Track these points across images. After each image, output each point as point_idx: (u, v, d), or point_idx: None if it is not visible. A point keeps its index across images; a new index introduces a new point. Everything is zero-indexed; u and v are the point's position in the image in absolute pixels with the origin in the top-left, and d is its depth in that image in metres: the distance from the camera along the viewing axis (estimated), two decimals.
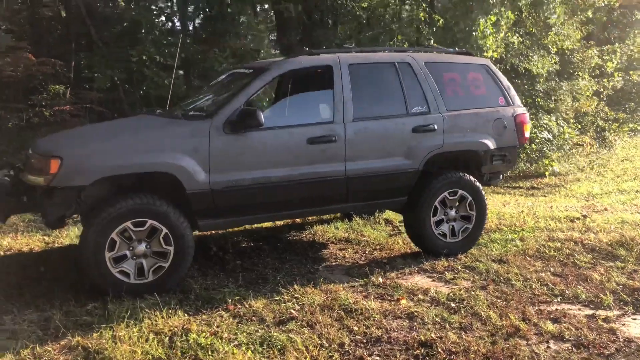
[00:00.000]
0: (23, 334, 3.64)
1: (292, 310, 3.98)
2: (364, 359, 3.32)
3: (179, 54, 6.73)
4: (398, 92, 5.08)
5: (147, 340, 3.51)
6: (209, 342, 3.48)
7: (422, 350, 3.39)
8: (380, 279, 4.66)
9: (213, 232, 5.82)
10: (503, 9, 9.04)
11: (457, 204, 5.31)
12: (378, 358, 3.34)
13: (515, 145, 5.62)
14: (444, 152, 5.17)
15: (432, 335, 3.57)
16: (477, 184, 5.36)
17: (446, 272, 4.87)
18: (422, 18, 11.06)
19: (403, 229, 6.21)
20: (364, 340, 3.56)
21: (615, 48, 15.14)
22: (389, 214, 6.82)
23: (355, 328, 3.71)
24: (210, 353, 3.35)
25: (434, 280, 4.73)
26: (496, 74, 5.65)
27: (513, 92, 5.69)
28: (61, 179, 4.00)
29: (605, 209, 7.86)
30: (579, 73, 14.41)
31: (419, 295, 4.33)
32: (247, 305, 4.10)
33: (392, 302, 4.19)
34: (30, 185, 4.24)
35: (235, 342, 3.51)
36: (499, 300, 4.18)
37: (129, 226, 4.15)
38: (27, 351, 3.40)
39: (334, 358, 3.33)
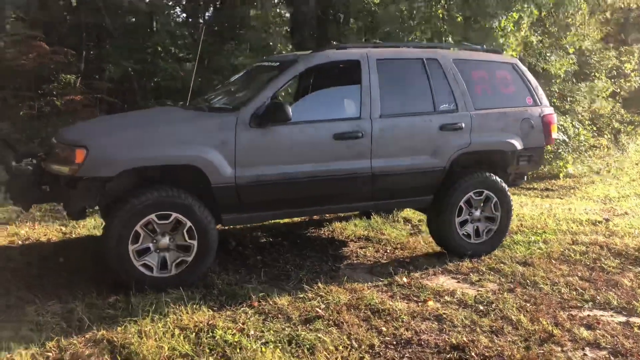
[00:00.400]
0: (47, 326, 3.58)
1: (318, 309, 3.91)
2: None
3: (201, 44, 6.62)
4: (426, 89, 4.98)
5: (172, 335, 3.45)
6: (236, 340, 3.42)
7: (455, 354, 3.31)
8: (405, 279, 4.58)
9: (231, 226, 5.76)
10: (526, 5, 8.88)
11: (482, 204, 5.22)
12: None
13: (542, 145, 5.52)
14: (471, 151, 5.08)
15: (464, 338, 3.49)
16: (503, 184, 5.26)
17: (471, 274, 4.79)
18: (440, 15, 10.94)
19: (423, 228, 6.16)
20: (394, 342, 3.48)
21: (632, 49, 14.96)
22: (408, 212, 6.73)
23: (384, 329, 3.64)
24: (238, 351, 3.29)
25: (459, 282, 4.64)
26: (524, 73, 5.54)
27: (541, 91, 5.59)
28: (87, 170, 3.94)
29: (626, 213, 7.75)
30: (596, 74, 14.23)
31: (446, 297, 4.25)
32: (271, 302, 4.04)
33: (419, 303, 4.11)
34: (53, 175, 4.18)
35: (263, 340, 3.44)
36: (528, 304, 4.09)
37: (154, 219, 4.09)
38: (52, 343, 3.35)
39: (364, 359, 3.25)
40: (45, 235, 5.70)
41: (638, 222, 6.81)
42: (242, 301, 4.05)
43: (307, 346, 3.38)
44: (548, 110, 5.53)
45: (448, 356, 3.31)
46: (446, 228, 5.09)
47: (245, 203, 4.39)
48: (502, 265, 5.00)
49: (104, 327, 3.57)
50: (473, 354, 3.31)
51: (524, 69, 5.60)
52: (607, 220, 6.91)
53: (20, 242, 5.43)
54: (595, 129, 14.45)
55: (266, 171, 4.37)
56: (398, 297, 4.22)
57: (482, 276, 4.73)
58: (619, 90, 14.96)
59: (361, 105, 4.69)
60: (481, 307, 4.04)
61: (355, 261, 5.14)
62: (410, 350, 3.39)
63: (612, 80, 14.96)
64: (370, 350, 3.36)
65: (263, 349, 3.30)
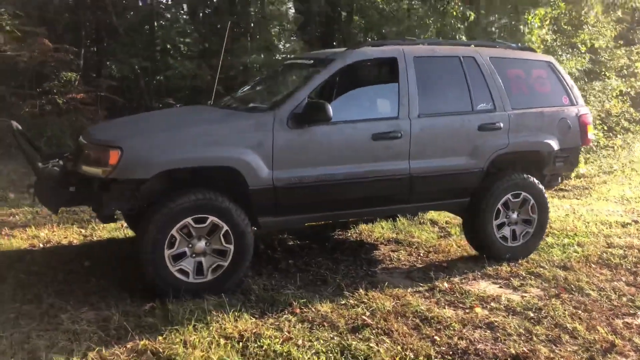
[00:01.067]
0: (84, 335, 3.42)
1: (364, 317, 3.76)
2: None
3: (226, 40, 6.45)
4: (463, 87, 4.83)
5: (218, 345, 3.29)
6: (285, 350, 3.27)
7: None
8: (446, 285, 4.43)
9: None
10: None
11: (519, 206, 5.08)
12: None
13: (578, 146, 5.39)
14: (509, 152, 4.94)
15: (523, 348, 3.35)
16: (540, 186, 5.12)
17: (512, 279, 4.64)
18: (454, 13, 10.82)
19: (452, 231, 6.03)
20: (450, 352, 3.34)
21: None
22: (433, 214, 6.59)
23: (437, 338, 3.49)
24: None
25: (501, 287, 4.50)
26: (560, 72, 5.41)
27: (577, 90, 5.45)
28: (121, 171, 3.77)
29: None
30: (607, 73, 14.13)
31: (492, 303, 4.10)
32: (313, 309, 3.88)
33: (466, 310, 3.97)
34: (81, 177, 4.01)
35: (313, 350, 3.29)
36: (579, 311, 3.95)
37: (190, 222, 3.93)
38: (93, 354, 3.19)
39: None
40: (65, 237, 5.53)
41: None
42: (283, 308, 3.90)
43: (361, 357, 3.23)
44: (584, 109, 5.40)
45: None
46: (483, 231, 4.94)
47: (282, 206, 4.23)
48: (541, 269, 4.86)
49: (145, 336, 3.41)
50: None
51: (560, 67, 5.46)
52: (636, 222, 6.79)
53: (41, 245, 5.26)
54: (605, 128, 14.35)
55: (304, 173, 4.21)
56: (443, 304, 4.07)
57: (523, 281, 4.59)
58: (629, 89, 14.87)
59: (399, 105, 4.54)
60: (531, 314, 3.90)
61: (390, 265, 4.99)
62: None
63: (623, 79, 14.86)
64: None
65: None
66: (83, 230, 5.79)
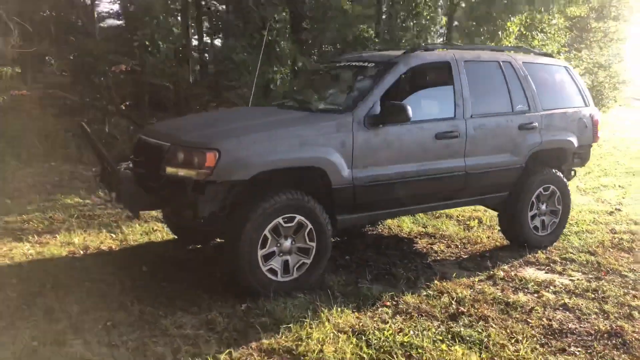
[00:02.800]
0: (201, 339, 3.42)
1: (455, 305, 4.00)
2: (567, 350, 3.41)
3: (264, 42, 6.42)
4: (504, 90, 5.19)
5: (337, 339, 3.40)
6: (406, 340, 3.44)
7: (616, 340, 3.53)
8: (502, 273, 4.76)
9: None
10: (532, 8, 9.42)
11: (548, 199, 5.52)
12: (579, 348, 3.44)
13: (591, 143, 5.92)
14: (542, 149, 5.36)
15: (607, 325, 3.73)
16: (565, 180, 5.60)
17: (551, 265, 5.06)
18: (427, 16, 11.31)
19: (470, 224, 6.41)
20: (548, 333, 3.65)
21: (581, 54, 16.23)
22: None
23: (530, 321, 3.80)
24: (420, 351, 3.31)
25: (547, 273, 4.89)
26: (575, 76, 5.92)
27: (588, 92, 5.98)
28: (220, 173, 3.76)
29: (620, 203, 8.39)
30: None
31: (550, 287, 4.48)
32: (402, 301, 4.07)
33: (535, 295, 4.31)
34: (167, 179, 3.94)
35: (427, 338, 3.47)
36: (630, 290, 4.41)
37: (280, 222, 3.99)
38: (223, 356, 3.21)
39: (538, 350, 3.39)
40: (101, 243, 5.34)
41: None
42: (374, 302, 4.05)
43: (476, 341, 3.46)
44: (595, 110, 5.95)
45: (610, 342, 3.52)
46: (521, 222, 5.34)
47: (359, 204, 4.38)
48: (571, 255, 5.32)
49: (262, 335, 3.45)
50: (628, 338, 3.55)
51: (574, 71, 5.97)
52: (618, 210, 7.50)
53: (82, 252, 5.05)
54: None
55: (379, 171, 4.38)
56: (512, 290, 4.39)
57: (563, 266, 5.02)
58: None
59: (455, 106, 4.81)
60: (592, 295, 4.31)
61: (438, 257, 5.26)
62: (569, 339, 3.57)
63: None
64: (537, 342, 3.49)
65: (444, 347, 3.35)
66: (114, 235, 5.60)
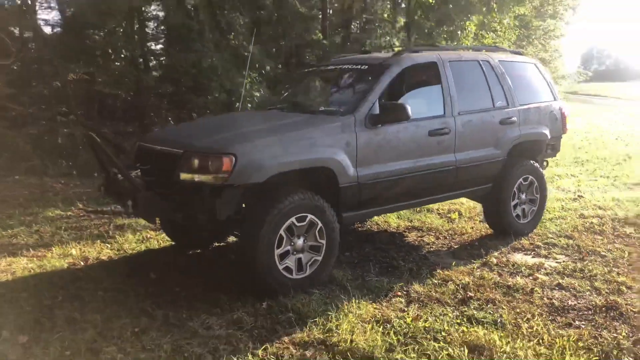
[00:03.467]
0: (234, 338, 3.52)
1: (462, 291, 4.27)
2: (573, 324, 3.73)
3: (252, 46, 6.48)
4: (485, 87, 5.53)
5: (364, 330, 3.59)
6: (428, 325, 3.66)
7: (614, 312, 3.89)
8: (494, 259, 5.08)
9: None
10: (485, 9, 9.95)
11: (527, 188, 5.91)
12: (583, 322, 3.77)
13: (561, 135, 6.37)
14: (521, 142, 5.73)
15: (602, 300, 4.09)
16: (541, 170, 6.00)
17: (536, 249, 5.43)
18: (387, 17, 11.68)
19: (452, 216, 6.73)
20: (552, 310, 3.96)
21: (525, 52, 17.15)
22: None
23: (533, 301, 4.11)
24: (444, 334, 3.53)
25: (534, 257, 5.25)
26: (543, 71, 6.35)
27: (555, 87, 6.42)
28: (237, 177, 3.87)
29: (579, 191, 8.98)
30: None
31: (542, 270, 4.82)
32: (413, 291, 4.30)
33: (530, 278, 4.64)
34: (180, 185, 4.01)
35: (446, 322, 3.71)
36: (613, 268, 4.81)
37: (294, 222, 4.14)
38: (260, 351, 3.33)
39: (548, 326, 3.68)
40: (99, 253, 5.30)
41: (601, 197, 7.97)
42: (386, 293, 4.26)
43: (490, 321, 3.73)
44: (563, 103, 6.40)
45: (609, 315, 3.87)
46: (504, 212, 5.69)
47: (362, 201, 4.58)
48: (552, 240, 5.72)
49: (290, 330, 3.60)
50: (624, 310, 3.91)
51: (542, 67, 6.40)
52: (581, 196, 8.04)
53: (82, 263, 5.01)
54: None
55: (380, 169, 4.60)
56: (508, 274, 4.71)
57: (547, 250, 5.40)
58: None
59: (444, 104, 5.10)
60: (579, 275, 4.68)
61: (431, 249, 5.53)
62: (572, 314, 3.90)
63: None
64: (546, 318, 3.79)
65: (464, 329, 3.59)
66: (109, 245, 5.56)
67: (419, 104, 5.03)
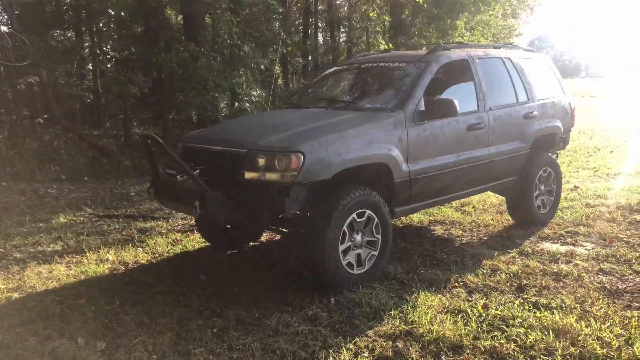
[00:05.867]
0: (318, 333, 3.53)
1: (515, 280, 4.42)
2: (632, 306, 3.93)
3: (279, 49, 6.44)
4: (509, 83, 5.72)
5: (442, 320, 3.67)
6: (499, 312, 3.78)
7: None
8: (529, 249, 5.27)
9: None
10: (473, 7, 10.23)
11: (545, 180, 6.15)
12: (638, 304, 3.98)
13: (570, 128, 6.65)
14: (541, 135, 5.96)
15: None
16: (557, 162, 6.26)
17: (561, 238, 5.67)
18: (373, 16, 11.83)
19: (467, 209, 6.92)
20: (608, 294, 4.15)
21: None
22: None
23: (586, 285, 4.30)
24: (519, 320, 3.66)
25: (563, 245, 5.47)
26: (554, 68, 6.61)
27: (564, 82, 6.70)
28: (305, 175, 3.88)
29: (569, 182, 9.38)
30: None
31: (577, 257, 5.04)
32: (468, 281, 4.42)
33: (571, 264, 4.84)
34: (245, 185, 3.99)
35: (513, 309, 3.84)
36: None
37: (355, 217, 4.18)
38: (351, 345, 3.36)
39: (611, 309, 3.86)
40: (135, 257, 5.19)
41: (596, 186, 8.36)
42: (444, 284, 4.36)
43: (554, 305, 3.88)
44: (572, 98, 6.68)
45: None
46: (528, 203, 5.91)
47: (413, 195, 4.67)
48: (572, 228, 5.97)
49: (372, 323, 3.64)
50: None
51: (553, 64, 6.67)
52: (577, 187, 8.40)
53: (123, 268, 4.89)
54: None
55: (427, 163, 4.70)
56: (549, 262, 4.90)
57: (572, 238, 5.63)
58: None
59: (477, 100, 5.25)
60: (614, 260, 4.92)
61: (464, 240, 5.68)
62: (626, 297, 4.09)
63: None
64: (606, 301, 3.97)
65: (538, 314, 3.73)
66: (142, 249, 5.44)
67: (456, 99, 5.14)
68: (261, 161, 3.93)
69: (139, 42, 11.87)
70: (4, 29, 11.66)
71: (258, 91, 9.76)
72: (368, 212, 4.27)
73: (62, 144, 12.22)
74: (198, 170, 4.17)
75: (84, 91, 16.74)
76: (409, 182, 4.55)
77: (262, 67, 10.21)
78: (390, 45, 11.99)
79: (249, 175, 3.97)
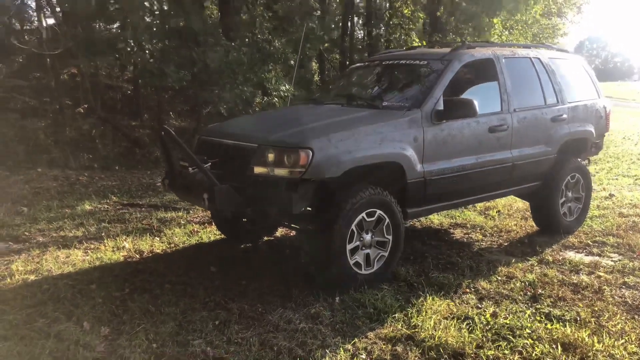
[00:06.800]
0: (318, 331, 3.50)
1: (529, 289, 4.27)
2: None
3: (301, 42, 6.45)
4: (537, 84, 5.53)
5: (454, 326, 3.57)
6: (508, 322, 3.65)
7: None
8: (550, 257, 5.08)
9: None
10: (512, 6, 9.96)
11: (573, 186, 5.92)
12: None
13: (604, 133, 6.38)
14: (570, 140, 5.74)
15: None
16: (587, 168, 6.01)
17: (587, 248, 5.44)
18: (408, 13, 11.66)
19: (491, 213, 6.74)
20: (628, 309, 3.96)
21: None
22: None
23: (605, 298, 4.11)
24: (526, 331, 3.53)
25: (587, 255, 5.26)
26: (588, 69, 6.35)
27: (599, 84, 6.43)
28: (313, 171, 3.84)
29: (604, 190, 9.02)
30: None
31: (601, 269, 4.82)
32: (480, 287, 4.30)
33: (592, 276, 4.64)
34: (254, 179, 3.98)
35: (523, 319, 3.70)
36: None
37: (364, 217, 4.12)
38: (349, 346, 3.31)
39: (628, 325, 3.67)
40: (151, 246, 5.26)
41: (633, 194, 8.00)
42: (455, 289, 4.25)
43: (568, 317, 3.73)
44: (607, 102, 6.41)
45: None
46: (553, 209, 5.69)
47: (427, 196, 4.56)
48: (600, 238, 5.73)
49: (371, 326, 3.58)
50: None
51: (588, 65, 6.41)
52: (612, 195, 8.07)
53: (138, 256, 4.97)
54: None
55: (444, 165, 4.58)
56: (569, 272, 4.71)
57: (599, 249, 5.40)
58: None
59: (501, 101, 5.09)
60: (639, 273, 4.70)
61: (482, 246, 5.53)
62: None
63: None
64: (627, 316, 3.79)
65: (549, 326, 3.59)
66: (159, 239, 5.52)
67: (478, 100, 4.98)
68: (270, 156, 3.91)
69: (176, 35, 12.05)
70: (51, 21, 12.08)
71: (287, 86, 9.76)
72: (379, 212, 4.20)
73: (98, 134, 12.57)
74: (210, 164, 4.19)
75: (124, 83, 17.17)
76: (423, 183, 4.45)
77: (292, 62, 10.21)
78: (424, 42, 11.83)
79: (258, 169, 3.96)
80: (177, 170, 4.38)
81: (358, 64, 6.06)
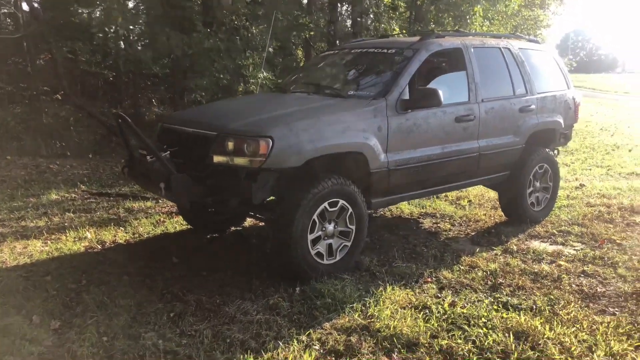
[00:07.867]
0: (273, 323, 3.46)
1: (490, 278, 4.28)
2: (607, 311, 3.77)
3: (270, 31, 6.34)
4: (506, 74, 5.52)
5: (404, 316, 3.57)
6: (465, 311, 3.66)
7: None
8: (514, 246, 5.11)
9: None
10: None
11: (542, 176, 5.94)
12: (616, 308, 3.80)
13: (573, 124, 6.41)
14: (538, 130, 5.75)
15: (631, 287, 4.14)
16: (555, 158, 6.04)
17: (552, 237, 5.48)
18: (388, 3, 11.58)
19: (462, 202, 6.75)
20: (584, 297, 3.99)
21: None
22: None
23: (563, 287, 4.14)
24: (483, 320, 3.53)
25: (552, 244, 5.29)
26: (558, 60, 6.36)
27: (569, 75, 6.45)
28: (273, 160, 3.79)
29: (577, 180, 9.10)
30: None
31: (562, 257, 4.86)
32: (442, 277, 4.30)
33: (553, 265, 4.67)
34: (214, 168, 3.92)
35: (483, 308, 3.71)
36: (632, 256, 4.88)
37: (326, 207, 4.08)
38: (303, 337, 3.29)
39: (581, 313, 3.70)
40: (114, 236, 5.19)
41: (603, 185, 8.08)
42: (416, 279, 4.25)
43: (526, 307, 3.74)
44: (576, 93, 6.43)
45: (639, 301, 3.92)
46: (521, 199, 5.72)
47: (391, 187, 4.54)
48: (565, 227, 5.77)
49: (330, 316, 3.56)
50: None
51: (558, 56, 6.41)
52: (582, 185, 8.14)
53: (100, 247, 4.89)
54: None
55: (409, 154, 4.56)
56: (531, 261, 4.73)
57: (563, 238, 5.44)
58: None
59: (469, 90, 5.07)
60: (601, 262, 4.73)
61: (449, 235, 5.54)
62: (604, 301, 3.93)
63: None
64: (580, 304, 3.82)
65: (504, 315, 3.60)
66: (123, 229, 5.44)
67: (445, 89, 4.96)
68: (230, 145, 3.85)
69: (155, 21, 11.84)
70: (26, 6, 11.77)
71: (265, 74, 9.65)
72: (341, 201, 4.17)
73: (74, 121, 12.34)
74: (168, 152, 4.11)
75: (105, 70, 16.87)
76: (387, 173, 4.42)
77: (270, 49, 10.08)
78: (405, 32, 11.77)
79: (217, 158, 3.90)
80: (136, 158, 4.30)
81: (327, 52, 5.99)
